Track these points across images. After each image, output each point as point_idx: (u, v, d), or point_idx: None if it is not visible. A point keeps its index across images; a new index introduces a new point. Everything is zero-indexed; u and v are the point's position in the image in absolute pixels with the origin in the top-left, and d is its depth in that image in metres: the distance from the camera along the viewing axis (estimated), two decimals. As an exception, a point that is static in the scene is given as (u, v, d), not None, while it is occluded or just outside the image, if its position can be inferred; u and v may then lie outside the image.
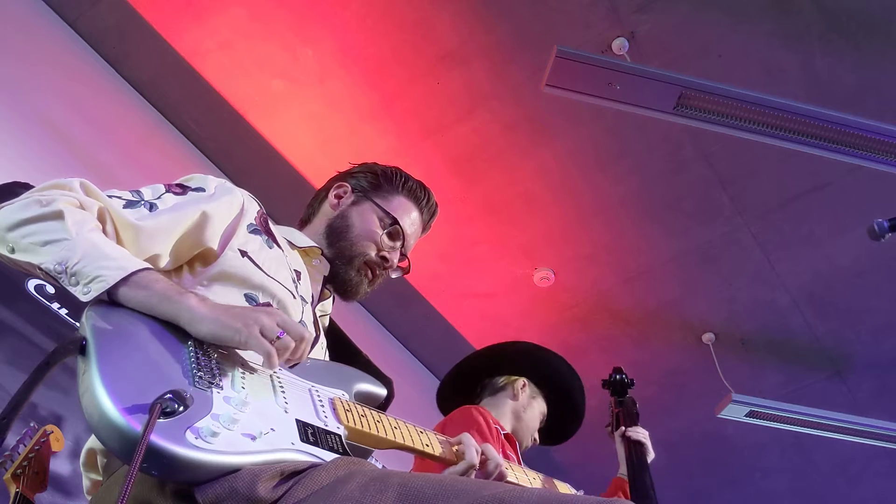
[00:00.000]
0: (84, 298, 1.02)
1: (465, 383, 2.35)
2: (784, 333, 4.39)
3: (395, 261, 1.50)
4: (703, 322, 4.41)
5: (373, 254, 1.47)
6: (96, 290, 1.02)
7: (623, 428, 2.31)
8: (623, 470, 2.27)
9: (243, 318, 1.05)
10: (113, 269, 1.03)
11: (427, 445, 1.21)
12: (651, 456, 2.27)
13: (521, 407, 2.25)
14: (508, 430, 2.19)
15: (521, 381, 2.30)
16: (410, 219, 1.54)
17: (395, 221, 1.50)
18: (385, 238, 1.49)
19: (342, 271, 1.46)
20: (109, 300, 1.04)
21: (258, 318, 1.05)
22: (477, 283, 4.30)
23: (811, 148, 3.03)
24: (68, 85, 3.23)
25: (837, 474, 5.15)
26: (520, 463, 2.06)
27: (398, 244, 1.51)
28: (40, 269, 1.05)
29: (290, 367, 1.13)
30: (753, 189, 3.75)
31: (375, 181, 1.56)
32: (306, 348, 1.09)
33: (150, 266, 1.09)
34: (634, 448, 2.24)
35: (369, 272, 1.47)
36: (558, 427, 2.37)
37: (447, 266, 4.18)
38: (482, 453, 1.34)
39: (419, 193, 1.57)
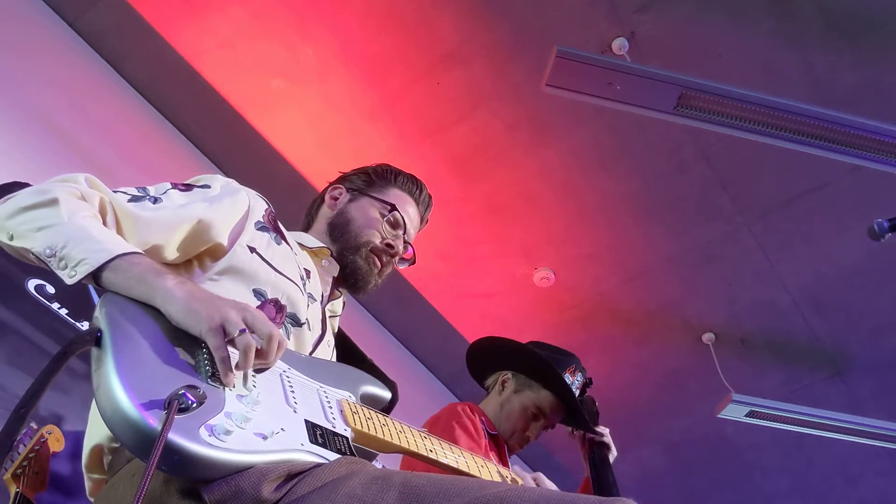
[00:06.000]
0: (69, 282, 1.01)
1: (482, 370, 2.42)
2: (784, 333, 4.39)
3: (400, 248, 1.53)
4: (703, 322, 4.41)
5: (377, 241, 1.49)
6: (81, 272, 1.01)
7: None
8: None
9: (209, 307, 0.99)
10: (98, 252, 1.02)
11: (431, 451, 1.21)
12: (613, 454, 2.25)
13: (505, 400, 2.27)
14: (496, 426, 2.21)
15: (505, 374, 2.33)
16: (408, 209, 1.57)
17: (393, 208, 1.53)
18: (386, 226, 1.52)
19: (350, 262, 1.47)
20: (98, 285, 1.03)
21: (224, 310, 0.99)
22: (477, 282, 4.30)
23: (811, 148, 3.03)
24: (68, 85, 3.22)
25: (837, 474, 5.16)
26: (505, 464, 2.06)
27: (400, 232, 1.54)
28: (32, 253, 1.04)
29: (258, 370, 1.04)
30: (753, 189, 3.75)
31: (368, 179, 1.60)
32: (275, 348, 1.01)
33: (139, 251, 1.08)
34: (596, 448, 2.23)
35: (377, 260, 1.49)
36: (566, 409, 2.32)
37: (447, 266, 4.18)
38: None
39: (412, 186, 1.61)
